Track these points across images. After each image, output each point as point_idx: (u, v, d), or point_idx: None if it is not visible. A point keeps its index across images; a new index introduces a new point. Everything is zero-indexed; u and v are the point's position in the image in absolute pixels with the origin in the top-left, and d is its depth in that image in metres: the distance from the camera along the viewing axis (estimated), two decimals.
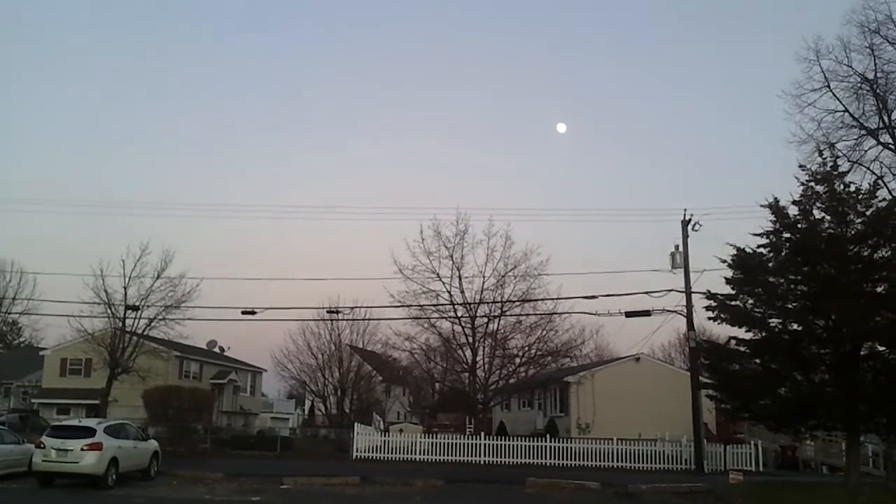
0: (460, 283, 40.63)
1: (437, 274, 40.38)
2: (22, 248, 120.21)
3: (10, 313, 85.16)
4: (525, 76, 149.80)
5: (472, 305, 40.70)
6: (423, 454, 36.58)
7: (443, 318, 41.32)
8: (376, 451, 37.22)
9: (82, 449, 21.88)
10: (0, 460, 24.14)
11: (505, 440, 36.76)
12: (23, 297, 79.89)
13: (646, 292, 33.05)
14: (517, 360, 42.37)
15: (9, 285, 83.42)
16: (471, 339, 40.99)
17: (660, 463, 34.94)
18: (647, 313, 33.55)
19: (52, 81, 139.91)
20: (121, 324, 42.06)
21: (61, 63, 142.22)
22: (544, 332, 41.15)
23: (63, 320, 42.24)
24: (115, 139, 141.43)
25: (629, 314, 34.12)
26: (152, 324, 42.52)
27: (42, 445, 22.38)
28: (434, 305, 40.58)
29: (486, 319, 41.06)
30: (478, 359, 41.24)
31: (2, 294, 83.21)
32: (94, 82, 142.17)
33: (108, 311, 41.53)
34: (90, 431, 22.59)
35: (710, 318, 34.57)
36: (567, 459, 35.23)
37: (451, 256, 40.60)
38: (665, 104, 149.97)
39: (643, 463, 34.91)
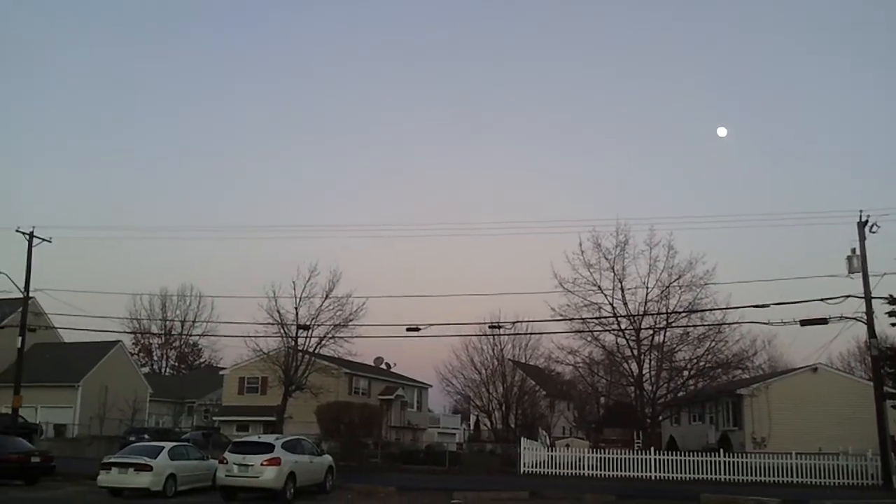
0: (623, 295, 39.87)
1: (599, 286, 39.73)
2: (200, 274, 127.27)
3: (190, 335, 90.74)
4: (683, 79, 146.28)
5: (635, 317, 39.85)
6: (590, 469, 36.14)
7: (606, 330, 40.66)
8: (543, 466, 37.09)
9: (262, 464, 22.64)
10: (187, 475, 25.43)
11: (675, 455, 35.83)
12: (202, 320, 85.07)
13: (821, 299, 31.35)
14: (685, 373, 41.21)
15: (189, 309, 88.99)
16: (636, 352, 40.13)
17: (843, 478, 33.01)
18: (823, 321, 31.83)
19: (219, 112, 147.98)
20: (293, 343, 43.76)
21: (232, 93, 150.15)
22: (713, 344, 39.83)
23: (240, 341, 44.49)
24: (285, 164, 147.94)
25: (804, 322, 32.41)
26: (322, 342, 44.02)
27: (225, 461, 23.30)
28: (596, 318, 39.99)
29: (651, 331, 40.11)
30: (644, 372, 40.34)
31: (183, 317, 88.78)
32: (258, 110, 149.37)
33: (282, 330, 43.31)
34: (269, 447, 23.43)
35: (893, 325, 32.97)
36: (741, 475, 33.86)
37: (613, 268, 39.88)
38: (832, 100, 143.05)
39: (824, 478, 33.11)
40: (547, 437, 47.56)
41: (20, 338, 38.27)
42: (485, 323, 49.27)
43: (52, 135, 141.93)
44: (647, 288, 39.82)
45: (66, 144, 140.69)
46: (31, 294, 38.78)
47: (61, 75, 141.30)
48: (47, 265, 59.01)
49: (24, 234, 37.56)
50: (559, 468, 36.73)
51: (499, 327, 48.77)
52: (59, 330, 57.13)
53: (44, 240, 38.10)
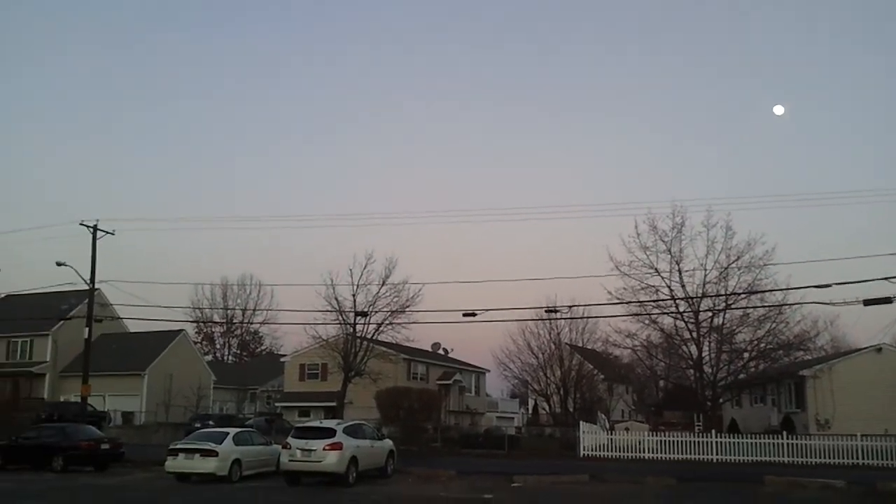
0: (680, 278, 39.50)
1: (656, 269, 39.42)
2: (260, 263, 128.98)
3: (251, 324, 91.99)
4: (739, 57, 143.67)
5: (694, 300, 39.49)
6: (650, 452, 35.97)
7: (664, 313, 40.35)
8: (602, 450, 37.02)
9: (324, 449, 22.94)
10: (251, 460, 25.92)
11: (737, 437, 35.46)
12: (262, 309, 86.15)
13: (884, 278, 30.62)
14: (746, 355, 40.76)
15: (249, 298, 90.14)
16: (694, 335, 39.75)
17: None
18: (887, 300, 31.11)
19: (280, 103, 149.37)
20: (352, 329, 44.23)
21: (292, 86, 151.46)
22: (774, 325, 39.30)
23: (299, 328, 45.16)
24: (341, 153, 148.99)
25: (867, 302, 31.69)
26: (380, 328, 44.48)
27: (288, 446, 23.65)
28: (654, 301, 39.71)
29: (710, 314, 39.71)
30: (703, 354, 39.97)
31: (244, 306, 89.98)
32: (320, 101, 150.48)
33: (340, 317, 43.82)
34: (331, 432, 23.74)
35: None
36: (804, 457, 33.42)
37: (669, 250, 39.51)
38: (890, 74, 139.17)
39: (891, 460, 32.51)
40: (606, 421, 47.41)
41: (87, 328, 39.36)
42: (541, 307, 49.20)
43: (110, 128, 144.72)
44: (706, 270, 39.46)
45: (126, 138, 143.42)
46: (96, 286, 39.66)
47: (91, 73, 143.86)
48: (111, 257, 60.42)
49: (87, 227, 38.36)
50: (619, 451, 36.59)
51: (555, 311, 48.68)
52: (124, 320, 58.58)
53: (107, 232, 38.94)
